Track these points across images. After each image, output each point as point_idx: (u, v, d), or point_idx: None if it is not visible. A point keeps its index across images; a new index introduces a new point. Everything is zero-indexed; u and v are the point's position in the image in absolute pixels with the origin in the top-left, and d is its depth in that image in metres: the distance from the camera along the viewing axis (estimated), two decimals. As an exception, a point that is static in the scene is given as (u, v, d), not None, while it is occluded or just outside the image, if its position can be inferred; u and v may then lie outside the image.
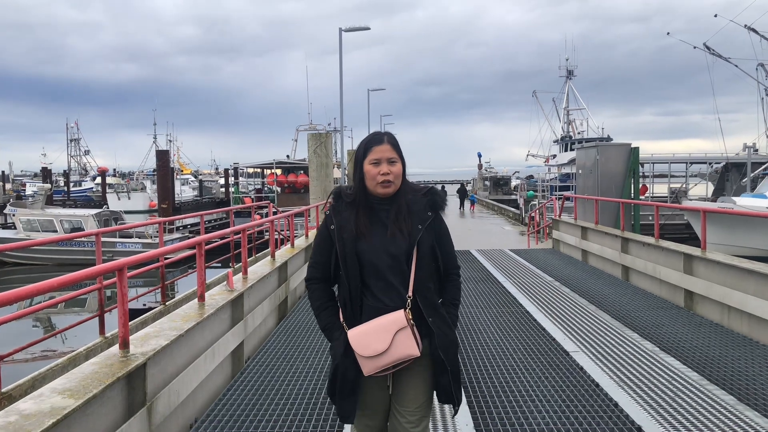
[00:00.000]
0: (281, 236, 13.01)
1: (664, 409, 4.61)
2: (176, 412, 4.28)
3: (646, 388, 5.06)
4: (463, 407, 4.70)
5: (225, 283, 6.22)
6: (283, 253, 9.11)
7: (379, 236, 2.66)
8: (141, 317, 8.20)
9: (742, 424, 4.32)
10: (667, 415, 4.49)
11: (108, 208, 35.73)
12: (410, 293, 2.62)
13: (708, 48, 35.29)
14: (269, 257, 8.47)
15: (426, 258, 2.67)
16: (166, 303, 8.85)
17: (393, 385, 2.70)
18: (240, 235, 7.11)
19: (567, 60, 59.51)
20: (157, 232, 20.00)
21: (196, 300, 5.41)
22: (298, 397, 5.04)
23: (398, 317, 2.57)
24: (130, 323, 4.00)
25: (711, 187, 35.57)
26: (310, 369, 5.79)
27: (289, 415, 4.67)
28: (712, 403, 4.71)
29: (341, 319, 2.69)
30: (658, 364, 5.70)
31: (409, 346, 2.56)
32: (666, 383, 5.17)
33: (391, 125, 66.18)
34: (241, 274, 6.90)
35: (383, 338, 2.55)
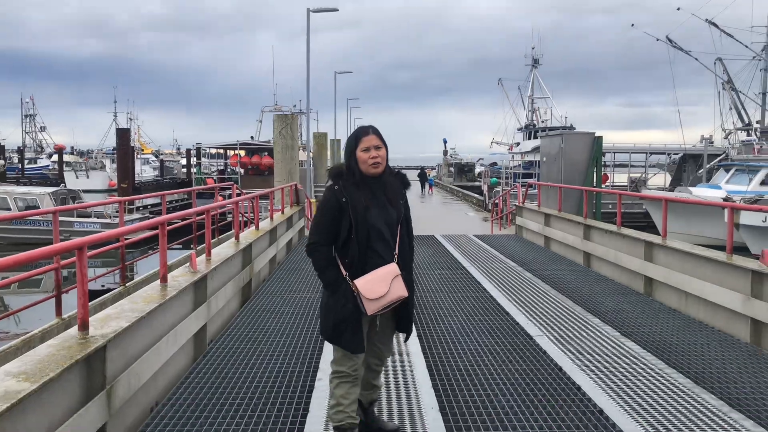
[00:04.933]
0: (245, 218, 12.84)
1: (625, 392, 4.70)
2: (137, 396, 4.18)
3: (608, 372, 5.15)
4: (428, 390, 4.72)
5: (188, 264, 6.10)
6: (247, 236, 8.98)
7: (378, 208, 3.40)
8: (100, 298, 8.01)
9: (698, 406, 4.44)
10: (628, 398, 4.58)
11: (65, 186, 34.78)
12: (396, 252, 3.46)
13: (670, 41, 35.94)
14: (233, 239, 8.34)
15: (404, 226, 3.52)
16: (126, 284, 8.66)
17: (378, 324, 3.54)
18: (203, 216, 6.97)
19: (533, 49, 59.79)
20: (117, 211, 19.54)
21: (158, 281, 5.29)
22: (262, 380, 4.98)
23: (394, 268, 3.39)
24: (90, 304, 3.88)
25: (669, 178, 36.45)
26: (274, 352, 5.73)
27: (252, 398, 4.61)
28: (671, 386, 4.82)
29: (343, 274, 3.38)
30: (619, 349, 5.81)
31: (402, 289, 3.37)
32: (627, 367, 5.28)
33: (358, 108, 65.70)
34: (204, 255, 6.77)
35: (384, 284, 3.32)
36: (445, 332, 6.39)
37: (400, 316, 3.56)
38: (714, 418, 4.23)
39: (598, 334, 6.32)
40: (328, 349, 5.76)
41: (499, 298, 7.93)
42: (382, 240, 3.38)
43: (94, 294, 8.44)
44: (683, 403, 4.50)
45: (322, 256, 3.42)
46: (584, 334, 6.32)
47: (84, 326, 3.71)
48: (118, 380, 3.80)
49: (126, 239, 8.85)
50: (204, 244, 7.21)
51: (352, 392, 3.48)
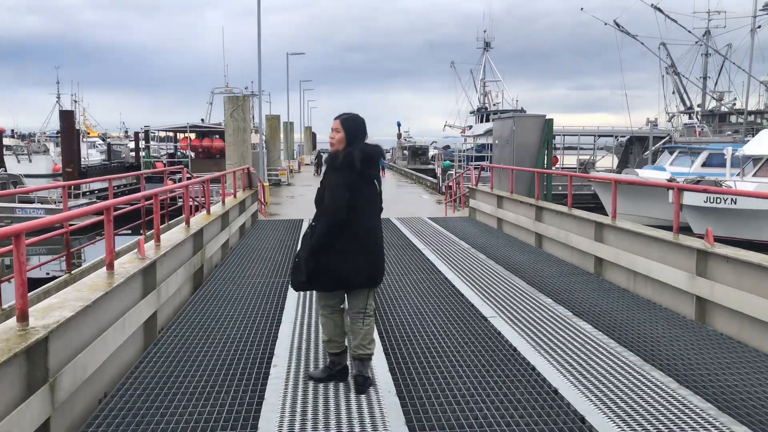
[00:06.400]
0: (196, 203, 12.55)
1: (578, 371, 4.78)
2: (83, 388, 4.03)
3: (561, 352, 5.23)
4: (385, 373, 4.71)
5: (136, 250, 5.91)
6: (198, 220, 8.78)
7: None
8: (44, 287, 7.71)
9: (647, 382, 4.55)
10: (581, 377, 4.66)
11: (5, 171, 33.35)
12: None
13: (618, 25, 36.65)
14: (183, 224, 8.14)
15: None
16: (72, 272, 8.36)
17: None
18: (152, 201, 6.76)
19: (485, 32, 60.15)
20: (61, 197, 18.84)
21: (104, 268, 5.11)
22: (216, 368, 4.87)
23: None
24: (32, 293, 3.71)
25: (616, 160, 37.38)
26: (228, 339, 5.62)
27: (206, 386, 4.51)
28: (621, 364, 4.93)
29: None
30: (571, 328, 5.91)
31: None
32: (579, 347, 5.37)
33: (311, 91, 64.94)
34: (153, 241, 6.57)
35: None
36: (400, 315, 6.38)
37: None
38: (663, 394, 4.34)
39: (551, 314, 6.41)
40: (284, 334, 5.70)
41: (454, 281, 7.97)
42: None
43: (38, 282, 8.15)
44: (634, 380, 4.60)
45: None
46: (537, 314, 6.40)
47: (23, 317, 3.54)
48: (62, 372, 3.65)
49: (71, 225, 8.53)
50: (153, 230, 7.00)
51: None
